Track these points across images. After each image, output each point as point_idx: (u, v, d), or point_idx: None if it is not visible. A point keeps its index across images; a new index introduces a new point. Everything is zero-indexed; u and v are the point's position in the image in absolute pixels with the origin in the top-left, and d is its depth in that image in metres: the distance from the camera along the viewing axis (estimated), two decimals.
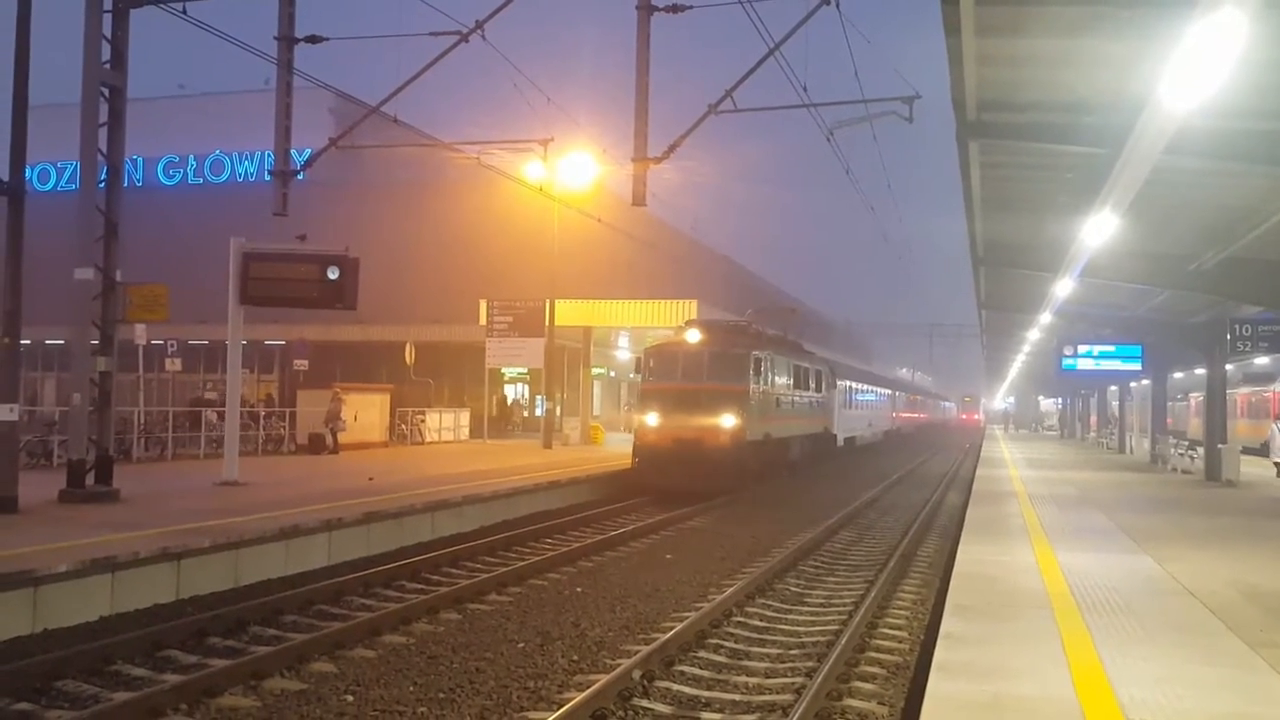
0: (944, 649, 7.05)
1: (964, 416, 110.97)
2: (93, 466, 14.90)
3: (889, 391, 55.51)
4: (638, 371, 23.86)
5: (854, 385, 41.18)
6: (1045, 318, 27.31)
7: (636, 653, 8.68)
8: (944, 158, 15.71)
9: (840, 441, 35.61)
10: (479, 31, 16.90)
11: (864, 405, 44.08)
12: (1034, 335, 34.98)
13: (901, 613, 11.01)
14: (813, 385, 30.11)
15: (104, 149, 15.13)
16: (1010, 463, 30.89)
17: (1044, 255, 20.00)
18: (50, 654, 8.29)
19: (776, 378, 24.91)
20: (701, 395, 21.70)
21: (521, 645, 9.24)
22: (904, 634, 10.04)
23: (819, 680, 7.84)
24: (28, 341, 15.05)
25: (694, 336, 22.99)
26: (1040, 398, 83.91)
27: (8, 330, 13.81)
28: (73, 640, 8.93)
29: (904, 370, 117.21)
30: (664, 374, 22.62)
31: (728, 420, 21.41)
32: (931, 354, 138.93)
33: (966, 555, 11.24)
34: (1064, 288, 19.78)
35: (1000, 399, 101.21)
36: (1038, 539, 12.75)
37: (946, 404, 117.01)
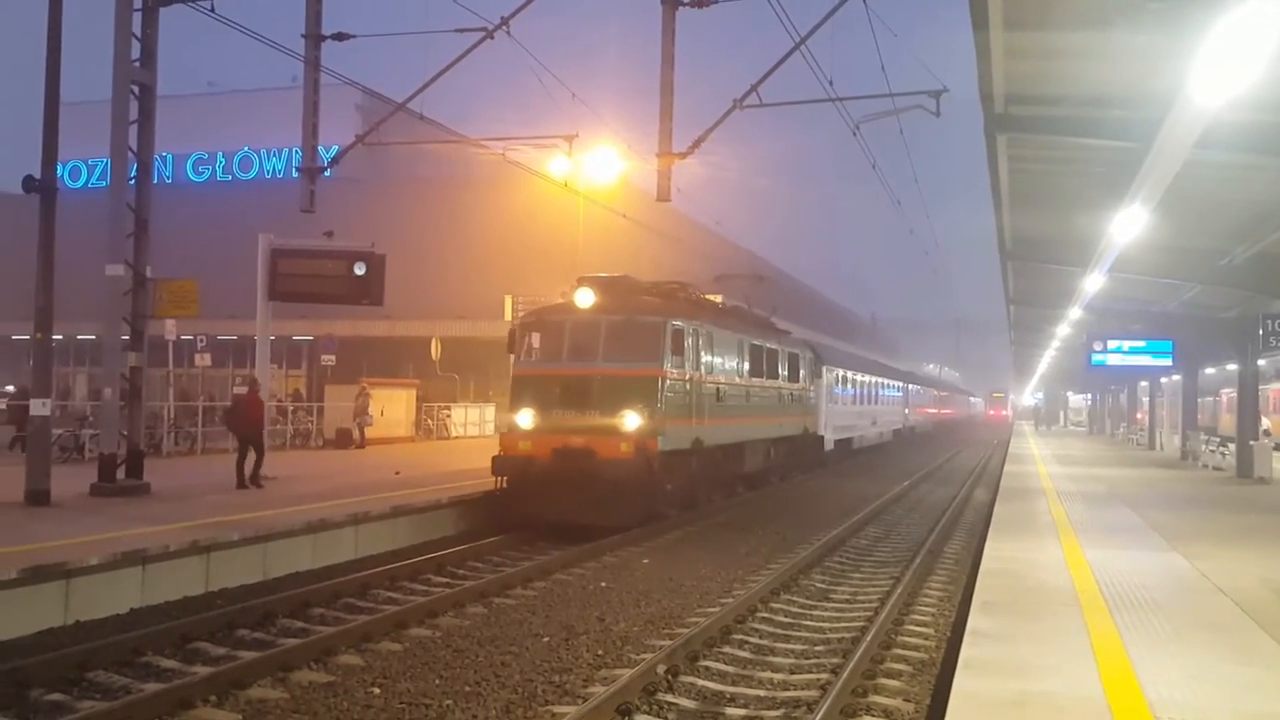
0: (970, 646, 7.01)
1: (991, 412, 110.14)
2: (124, 460, 15.08)
3: (899, 384, 48.02)
4: (510, 351, 16.80)
5: (849, 375, 33.62)
6: (1074, 313, 27.06)
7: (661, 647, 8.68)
8: (972, 152, 15.59)
9: (829, 445, 29.15)
10: (504, 28, 16.92)
11: (865, 399, 36.89)
12: (1063, 330, 34.66)
13: (928, 608, 10.96)
14: (784, 373, 23.46)
15: (134, 146, 15.29)
16: (1039, 459, 30.65)
17: (1073, 250, 19.82)
18: (82, 645, 8.39)
19: (717, 359, 18.15)
20: (594, 384, 15.41)
21: (546, 639, 9.27)
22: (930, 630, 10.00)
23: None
24: (59, 337, 15.28)
25: (585, 299, 15.99)
26: (1069, 393, 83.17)
27: (40, 326, 14.00)
28: (104, 632, 9.05)
29: (931, 366, 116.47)
30: (543, 354, 16.43)
31: (631, 420, 15.00)
32: (959, 349, 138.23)
33: (993, 552, 11.17)
34: (1093, 283, 19.60)
35: (1029, 395, 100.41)
36: (1066, 536, 12.65)
37: (973, 399, 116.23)
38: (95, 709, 6.94)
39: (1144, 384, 44.02)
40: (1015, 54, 10.96)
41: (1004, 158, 14.76)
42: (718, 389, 18.12)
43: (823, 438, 28.14)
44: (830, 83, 16.33)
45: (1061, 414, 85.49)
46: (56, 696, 7.43)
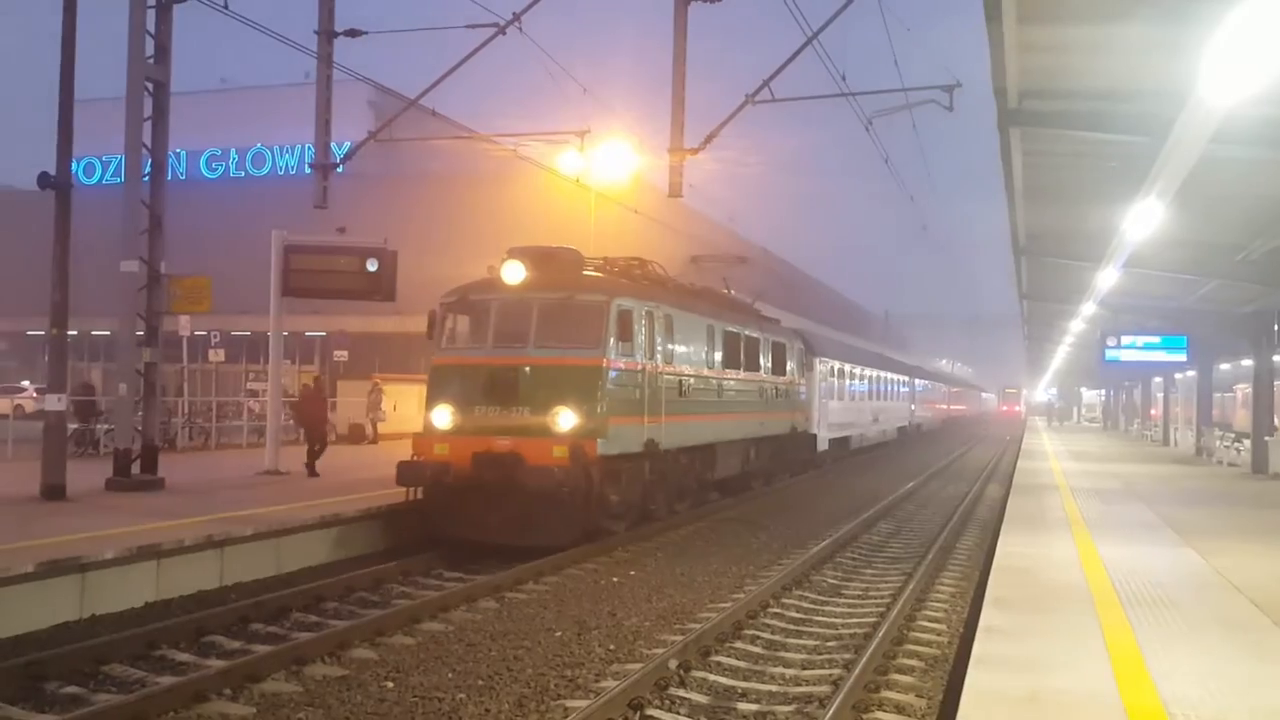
0: (983, 642, 7.00)
1: (1004, 408, 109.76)
2: (138, 455, 15.16)
3: (904, 378, 45.44)
4: (430, 337, 14.44)
5: (845, 368, 31.16)
6: (1088, 308, 26.97)
7: (673, 642, 8.70)
8: (985, 146, 15.54)
9: (823, 444, 26.95)
10: (516, 24, 16.94)
11: (865, 395, 34.69)
12: (1077, 326, 34.55)
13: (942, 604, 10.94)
14: (767, 364, 21.03)
15: (148, 143, 15.36)
16: (1052, 455, 30.54)
17: (1087, 245, 19.76)
18: (98, 639, 8.45)
19: (680, 347, 15.74)
20: (522, 376, 13.17)
21: (558, 634, 9.29)
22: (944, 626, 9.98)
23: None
24: (75, 332, 15.37)
25: (514, 274, 13.61)
26: (1083, 389, 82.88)
27: (55, 322, 14.09)
28: (120, 625, 9.10)
29: (943, 361, 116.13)
30: (465, 340, 14.27)
31: (565, 419, 12.83)
32: (972, 345, 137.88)
33: (1006, 548, 11.14)
34: (1107, 278, 19.53)
35: (1043, 390, 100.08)
36: (1079, 532, 12.60)
37: (986, 395, 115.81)
38: (111, 702, 6.99)
39: (1158, 380, 43.84)
40: (1029, 48, 10.92)
41: (1017, 152, 14.72)
42: (680, 382, 15.55)
43: (815, 436, 25.90)
44: (843, 78, 16.31)
45: (1075, 410, 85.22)
46: (73, 689, 7.48)
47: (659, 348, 14.79)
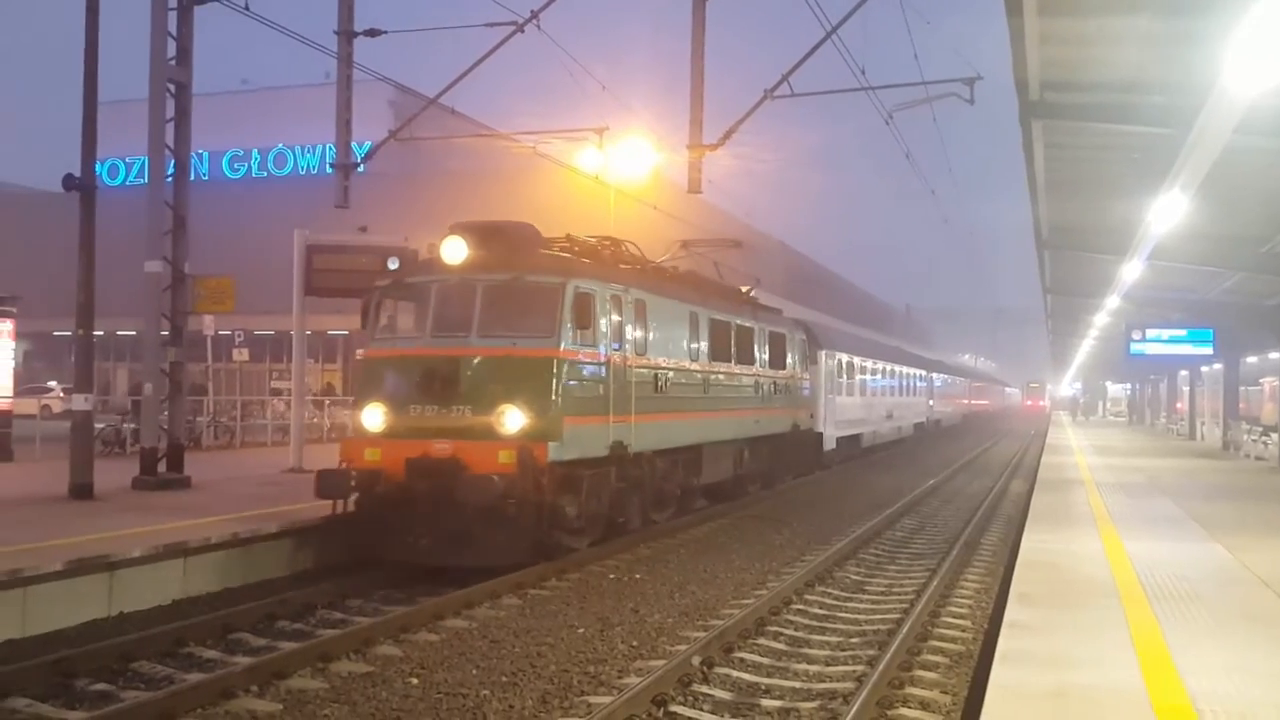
0: (1008, 638, 6.97)
1: (1029, 403, 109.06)
2: (164, 454, 15.30)
3: (921, 372, 43.82)
4: (363, 326, 12.97)
5: (855, 361, 29.35)
6: (1113, 302, 26.75)
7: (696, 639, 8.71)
8: (1007, 139, 15.45)
9: (830, 443, 25.27)
10: (534, 21, 16.96)
11: (878, 390, 32.97)
12: (1101, 320, 34.28)
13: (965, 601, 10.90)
14: (764, 356, 19.52)
15: (171, 144, 15.48)
16: (1077, 450, 30.34)
17: (1110, 238, 19.61)
18: (126, 636, 8.55)
19: (656, 336, 14.08)
20: (463, 370, 11.50)
21: (581, 631, 9.31)
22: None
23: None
24: (100, 333, 15.51)
25: (455, 252, 12.02)
26: (1108, 383, 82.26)
27: (81, 322, 14.24)
28: (147, 623, 9.19)
29: (966, 356, 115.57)
30: (402, 329, 12.76)
31: (512, 419, 11.19)
32: (995, 340, 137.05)
33: (1031, 544, 11.08)
34: (1132, 271, 19.37)
35: (1067, 385, 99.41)
36: (1105, 527, 12.52)
37: (1009, 390, 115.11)
38: (140, 699, 7.07)
39: (1184, 373, 43.45)
40: (1050, 40, 10.85)
41: (1039, 145, 14.62)
42: (656, 376, 13.93)
43: (821, 435, 24.25)
44: (863, 72, 16.26)
45: (1100, 404, 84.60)
46: (102, 686, 7.57)
47: (628, 337, 13.14)
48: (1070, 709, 5.51)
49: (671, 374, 14.54)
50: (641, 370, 13.50)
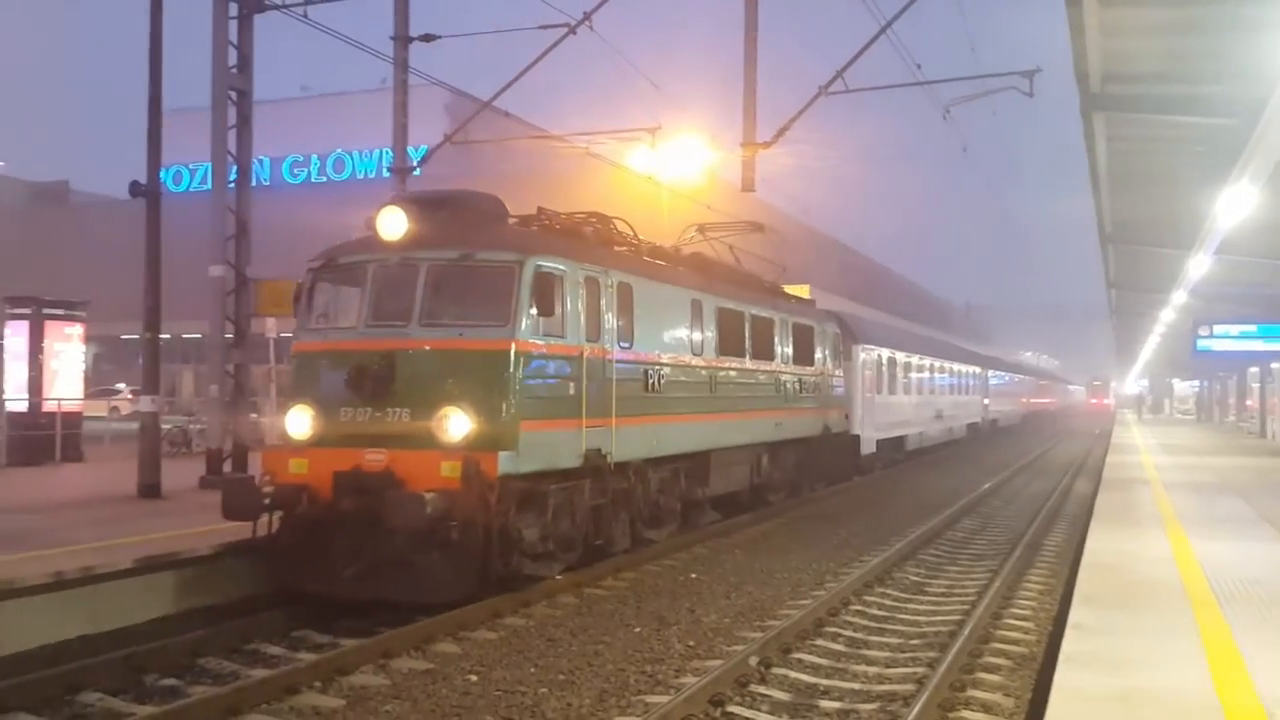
0: (1072, 640, 6.84)
1: (1092, 401, 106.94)
2: (229, 454, 15.61)
3: (975, 370, 41.35)
4: (295, 315, 11.15)
5: (897, 357, 27.06)
6: (1179, 297, 26.16)
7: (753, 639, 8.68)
8: (1067, 132, 15.17)
9: (869, 446, 23.33)
10: (587, 23, 17.03)
11: (925, 388, 30.73)
12: (1168, 315, 33.52)
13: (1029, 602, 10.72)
14: (786, 350, 17.49)
15: (233, 150, 15.80)
16: (1143, 449, 29.70)
17: (1176, 231, 19.19)
18: (193, 633, 8.72)
19: (647, 327, 12.27)
20: (400, 366, 9.79)
21: (638, 630, 9.32)
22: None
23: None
24: (167, 336, 15.85)
25: (392, 226, 10.26)
26: (1175, 380, 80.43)
27: (149, 326, 14.60)
28: (214, 619, 9.38)
29: (1028, 353, 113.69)
30: (335, 317, 10.93)
31: (457, 424, 9.48)
32: (1058, 337, 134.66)
33: (1096, 544, 10.87)
34: (1198, 265, 18.93)
35: (1133, 382, 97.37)
36: (1172, 527, 12.24)
37: (1072, 388, 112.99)
38: (206, 694, 7.22)
39: (1254, 370, 42.31)
40: (1111, 30, 10.64)
41: (1101, 138, 14.35)
42: (646, 372, 12.12)
43: (858, 438, 22.35)
44: (918, 66, 16.08)
45: (1166, 402, 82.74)
46: (170, 682, 7.76)
47: (608, 326, 11.27)
48: (1137, 713, 5.39)
49: (666, 370, 12.67)
50: (626, 365, 11.62)
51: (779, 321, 17.24)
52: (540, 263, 10.20)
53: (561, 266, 10.53)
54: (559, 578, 10.68)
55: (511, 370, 9.78)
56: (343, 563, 9.18)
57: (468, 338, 9.92)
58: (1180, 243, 19.10)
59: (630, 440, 11.61)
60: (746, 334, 15.63)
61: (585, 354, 10.77)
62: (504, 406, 9.69)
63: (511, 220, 11.62)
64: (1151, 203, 18.77)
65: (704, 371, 13.94)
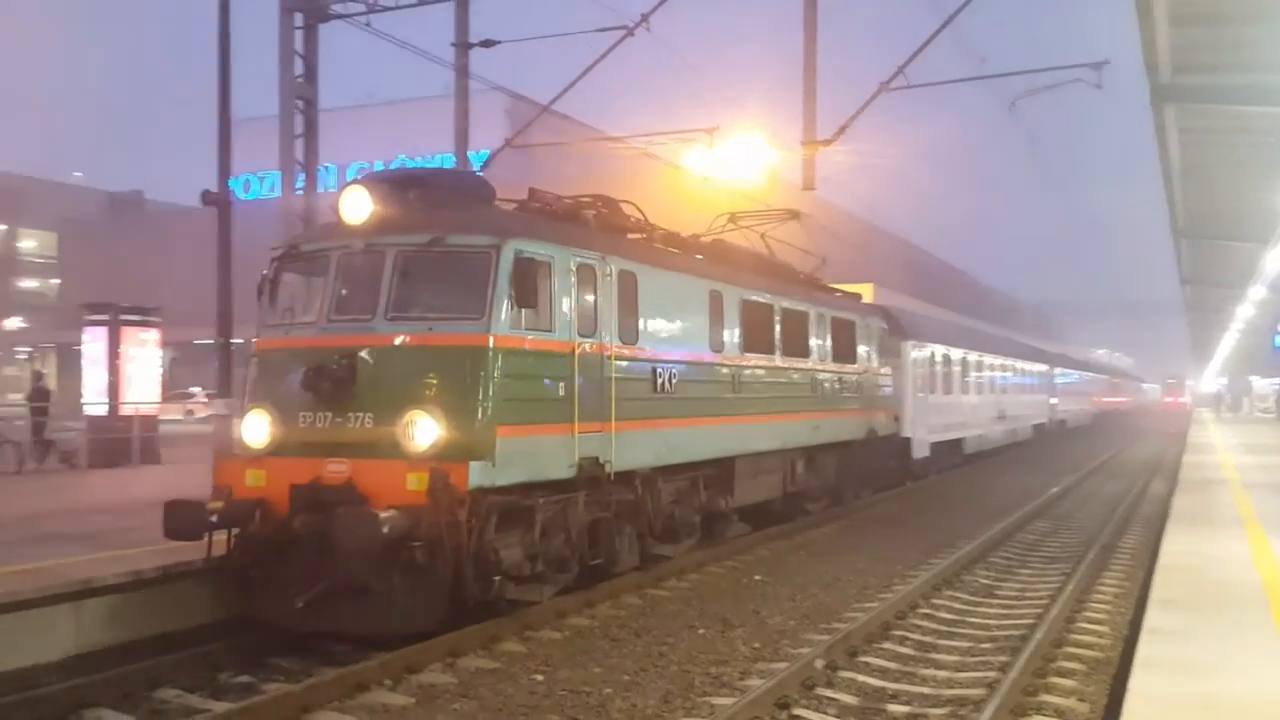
0: (1148, 644, 6.67)
1: (1168, 399, 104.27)
2: None
3: (1042, 368, 39.50)
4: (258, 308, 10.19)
5: (952, 354, 25.21)
6: (1257, 292, 25.42)
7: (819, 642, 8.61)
8: (1137, 124, 14.82)
9: (922, 450, 21.71)
10: (645, 24, 17.06)
11: (985, 387, 28.99)
12: (1245, 311, 32.59)
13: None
14: (824, 346, 16.12)
15: (300, 158, 16.10)
16: (1221, 449, 28.87)
17: (1252, 225, 18.66)
18: (265, 633, 8.90)
19: (656, 321, 11.12)
20: (361, 365, 8.80)
21: (702, 631, 9.31)
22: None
23: None
24: (239, 340, 16.22)
25: (356, 209, 9.28)
26: (1254, 378, 78.12)
27: (221, 330, 14.96)
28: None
29: (1101, 351, 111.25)
30: (296, 311, 9.94)
31: (424, 430, 8.44)
32: (1132, 334, 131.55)
33: (1172, 546, 10.59)
34: (1276, 259, 18.37)
35: (1209, 380, 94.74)
36: (1252, 529, 11.88)
37: (1147, 386, 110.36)
38: (280, 690, 7.38)
39: None
40: (1181, 20, 10.39)
41: (1173, 130, 14.02)
42: (654, 370, 10.91)
43: (909, 441, 20.90)
44: (982, 60, 15.83)
45: (1245, 400, 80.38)
46: (245, 678, 7.96)
47: (607, 319, 10.14)
48: (1218, 717, 5.25)
49: (678, 369, 11.35)
50: (628, 364, 10.42)
51: (815, 315, 15.87)
52: (521, 247, 9.06)
53: (548, 252, 9.40)
54: (568, 595, 9.78)
55: (487, 369, 8.66)
56: (295, 589, 8.13)
57: (438, 332, 8.84)
58: (1256, 236, 18.57)
59: (634, 447, 10.44)
60: (776, 329, 14.32)
61: (578, 350, 9.64)
62: (478, 410, 8.57)
63: (511, 206, 10.64)
64: (1225, 196, 18.28)
65: (725, 370, 12.69)
